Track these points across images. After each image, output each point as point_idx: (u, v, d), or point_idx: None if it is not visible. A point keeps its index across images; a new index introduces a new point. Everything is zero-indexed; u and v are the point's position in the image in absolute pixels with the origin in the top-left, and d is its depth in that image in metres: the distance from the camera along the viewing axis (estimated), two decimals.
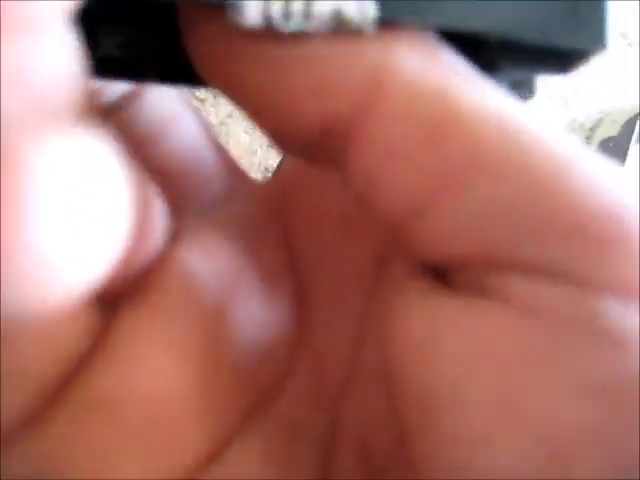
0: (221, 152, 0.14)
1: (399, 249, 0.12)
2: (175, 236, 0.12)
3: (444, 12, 0.10)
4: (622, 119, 0.39)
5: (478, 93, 0.10)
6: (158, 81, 0.12)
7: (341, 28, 0.09)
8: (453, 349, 0.10)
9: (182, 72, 0.12)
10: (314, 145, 0.10)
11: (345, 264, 0.13)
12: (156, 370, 0.11)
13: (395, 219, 0.10)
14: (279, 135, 0.11)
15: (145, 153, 0.13)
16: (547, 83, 0.54)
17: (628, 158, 0.37)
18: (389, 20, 0.09)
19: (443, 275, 0.11)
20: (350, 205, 0.13)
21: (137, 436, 0.10)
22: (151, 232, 0.11)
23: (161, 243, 0.11)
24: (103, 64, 0.11)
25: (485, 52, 0.11)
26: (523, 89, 0.12)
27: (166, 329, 0.11)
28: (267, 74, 0.10)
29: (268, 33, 0.09)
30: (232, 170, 0.15)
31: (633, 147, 0.36)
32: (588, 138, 0.40)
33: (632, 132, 0.36)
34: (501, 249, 0.10)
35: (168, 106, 0.13)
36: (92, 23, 0.10)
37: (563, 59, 0.11)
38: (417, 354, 0.10)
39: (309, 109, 0.10)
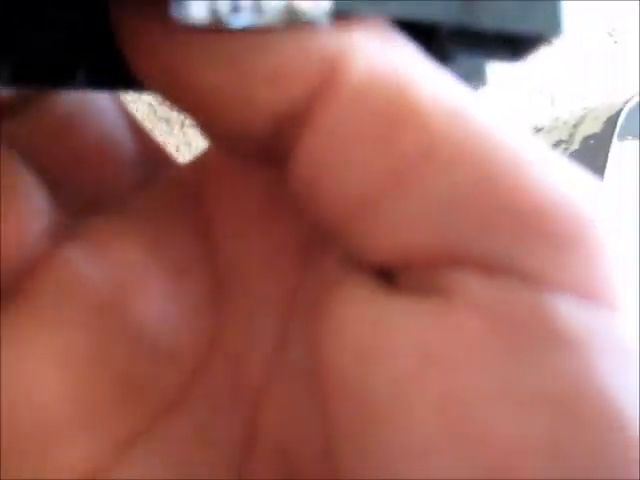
0: (141, 137, 0.14)
1: (336, 247, 0.11)
2: (68, 233, 0.11)
3: (398, 2, 0.10)
4: (604, 116, 0.39)
5: (434, 84, 0.10)
6: (90, 87, 0.11)
7: (294, 21, 0.09)
8: (394, 351, 0.09)
9: (115, 76, 0.11)
10: (261, 141, 0.10)
11: (267, 257, 0.12)
12: (28, 374, 0.10)
13: (340, 216, 0.10)
14: (224, 134, 0.10)
15: (56, 144, 0.12)
16: (533, 80, 0.54)
17: (611, 155, 0.37)
18: (343, 12, 0.09)
19: (385, 277, 0.10)
20: (272, 197, 0.13)
21: (7, 441, 0.10)
22: (13, 232, 0.10)
23: (38, 242, 0.11)
24: (30, 71, 0.11)
25: (438, 42, 0.11)
26: (475, 79, 0.12)
27: (41, 331, 0.11)
28: (215, 64, 0.09)
29: (215, 28, 0.09)
30: (153, 156, 0.14)
31: (615, 144, 0.36)
32: (571, 135, 0.40)
33: (614, 129, 0.36)
34: (453, 245, 0.09)
35: (83, 93, 0.13)
36: None
37: (517, 45, 0.11)
38: (353, 355, 0.10)
39: (261, 97, 0.09)
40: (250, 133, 0.10)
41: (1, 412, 0.10)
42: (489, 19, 0.10)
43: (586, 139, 0.38)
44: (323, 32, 0.09)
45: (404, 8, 0.10)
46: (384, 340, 0.09)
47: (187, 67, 0.09)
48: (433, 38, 0.11)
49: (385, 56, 0.10)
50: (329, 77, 0.09)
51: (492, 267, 0.09)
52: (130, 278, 0.11)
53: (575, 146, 0.39)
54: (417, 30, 0.10)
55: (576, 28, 0.56)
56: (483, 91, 0.10)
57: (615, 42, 0.57)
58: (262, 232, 0.12)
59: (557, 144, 0.41)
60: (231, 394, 0.12)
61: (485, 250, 0.09)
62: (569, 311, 0.09)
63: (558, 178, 0.09)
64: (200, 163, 0.14)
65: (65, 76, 0.11)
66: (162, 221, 0.12)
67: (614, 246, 0.09)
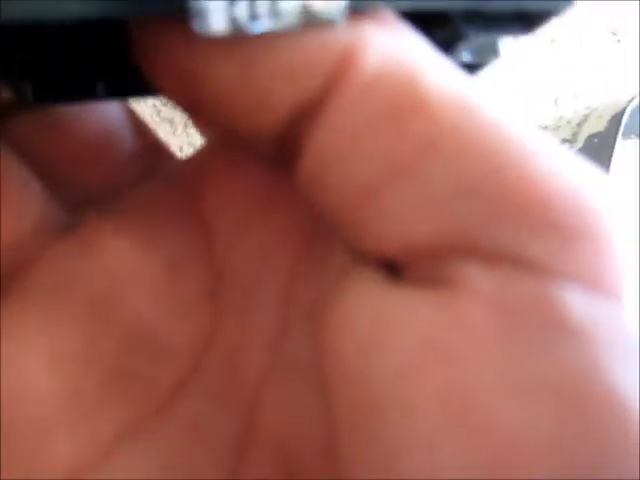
0: (142, 133, 0.14)
1: (340, 240, 0.11)
2: (64, 229, 0.11)
3: None
4: (608, 115, 0.39)
5: (442, 76, 0.10)
6: (109, 98, 0.12)
7: (311, 22, 0.09)
8: (398, 342, 0.09)
9: (131, 84, 0.11)
10: (272, 136, 0.10)
11: (265, 251, 0.12)
12: (19, 371, 0.11)
13: (346, 206, 0.10)
14: (239, 132, 0.10)
15: (55, 141, 0.12)
16: (537, 80, 0.54)
17: (615, 153, 0.37)
18: (358, 8, 0.09)
19: (389, 270, 0.10)
20: (271, 192, 0.13)
21: None
22: (9, 228, 0.11)
23: (34, 238, 0.11)
24: (51, 89, 0.11)
25: (450, 23, 0.11)
26: (489, 54, 0.12)
27: (34, 327, 0.11)
28: (232, 64, 0.09)
29: (235, 37, 0.09)
30: (154, 152, 0.14)
31: (619, 143, 0.36)
32: (575, 134, 0.40)
33: (618, 128, 0.37)
34: (458, 235, 0.09)
35: None
36: None
37: (528, 20, 0.11)
38: (358, 348, 0.10)
39: (278, 91, 0.10)
40: (264, 130, 0.10)
41: None
42: (500, 1, 0.10)
43: (590, 138, 0.38)
44: (336, 27, 0.09)
45: (417, 1, 0.10)
46: (388, 332, 0.09)
47: (205, 69, 0.10)
48: (446, 21, 0.11)
49: (395, 48, 0.10)
50: (342, 68, 0.09)
51: (498, 257, 0.09)
52: (124, 274, 0.12)
53: (579, 145, 0.39)
54: (429, 16, 0.10)
55: (577, 28, 0.56)
56: (486, 92, 0.10)
57: (618, 41, 0.57)
58: (260, 227, 0.12)
59: (561, 143, 0.41)
60: (228, 391, 0.12)
61: (491, 240, 0.09)
62: (575, 302, 0.09)
63: (565, 169, 0.09)
64: (198, 159, 0.14)
65: (85, 90, 0.11)
66: (159, 217, 0.12)
67: (621, 238, 0.09)
